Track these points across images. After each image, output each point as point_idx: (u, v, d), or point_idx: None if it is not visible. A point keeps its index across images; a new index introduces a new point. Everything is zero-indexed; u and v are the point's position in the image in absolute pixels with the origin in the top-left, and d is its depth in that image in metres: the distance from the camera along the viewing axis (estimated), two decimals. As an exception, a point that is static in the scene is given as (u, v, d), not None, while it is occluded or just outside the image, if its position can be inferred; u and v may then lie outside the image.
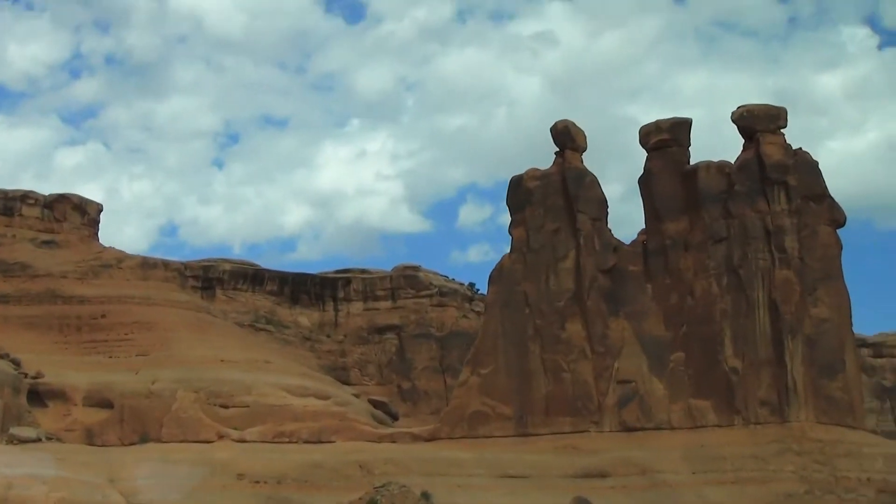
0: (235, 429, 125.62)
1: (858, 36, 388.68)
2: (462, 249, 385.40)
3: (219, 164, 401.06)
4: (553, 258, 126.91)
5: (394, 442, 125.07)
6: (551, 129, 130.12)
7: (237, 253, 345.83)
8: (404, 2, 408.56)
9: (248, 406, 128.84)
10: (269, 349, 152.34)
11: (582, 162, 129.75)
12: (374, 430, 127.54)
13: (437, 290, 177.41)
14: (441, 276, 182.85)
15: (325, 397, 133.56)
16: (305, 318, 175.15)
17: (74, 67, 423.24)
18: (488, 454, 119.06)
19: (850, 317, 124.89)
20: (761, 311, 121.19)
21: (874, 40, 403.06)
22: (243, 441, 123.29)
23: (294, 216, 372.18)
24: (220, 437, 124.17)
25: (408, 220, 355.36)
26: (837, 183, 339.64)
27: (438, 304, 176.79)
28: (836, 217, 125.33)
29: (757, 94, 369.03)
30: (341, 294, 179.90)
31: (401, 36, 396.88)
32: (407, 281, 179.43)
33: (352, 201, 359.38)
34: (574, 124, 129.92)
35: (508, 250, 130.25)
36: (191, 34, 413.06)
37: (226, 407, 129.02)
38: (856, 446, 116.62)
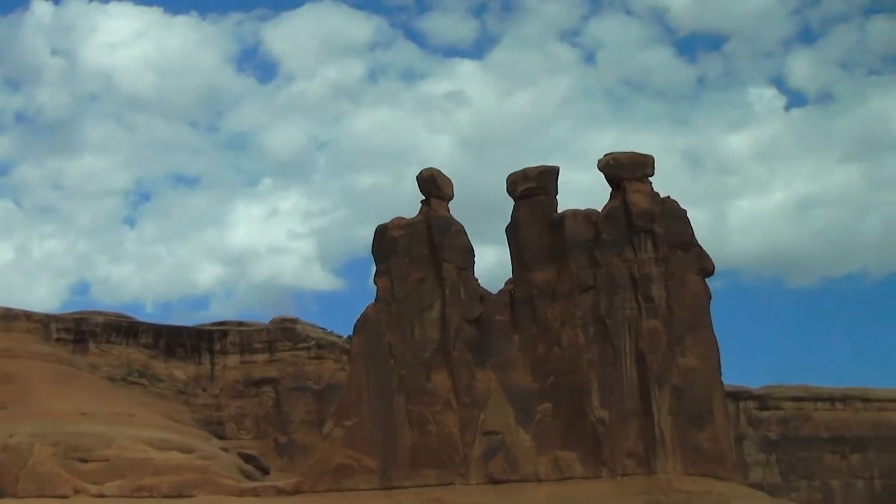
0: (94, 483, 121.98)
1: (766, 97, 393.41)
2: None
3: (130, 222, 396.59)
4: (418, 308, 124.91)
5: (257, 496, 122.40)
6: (417, 178, 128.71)
7: (149, 312, 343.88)
8: (315, 61, 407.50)
9: (107, 460, 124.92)
10: (135, 402, 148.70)
11: (448, 210, 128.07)
12: (236, 484, 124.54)
13: (314, 342, 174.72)
14: (319, 328, 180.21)
15: (189, 451, 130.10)
16: (181, 371, 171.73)
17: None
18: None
19: (720, 366, 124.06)
20: (628, 361, 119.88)
21: (781, 101, 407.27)
22: (101, 496, 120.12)
23: (207, 274, 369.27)
24: (77, 492, 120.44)
25: (320, 279, 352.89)
26: (747, 241, 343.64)
27: (316, 357, 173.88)
28: (705, 265, 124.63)
29: (666, 153, 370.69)
30: (217, 347, 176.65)
31: (312, 95, 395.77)
32: (284, 333, 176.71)
33: (264, 259, 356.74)
34: (440, 172, 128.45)
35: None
36: (101, 92, 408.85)
37: (85, 461, 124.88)
38: (724, 497, 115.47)
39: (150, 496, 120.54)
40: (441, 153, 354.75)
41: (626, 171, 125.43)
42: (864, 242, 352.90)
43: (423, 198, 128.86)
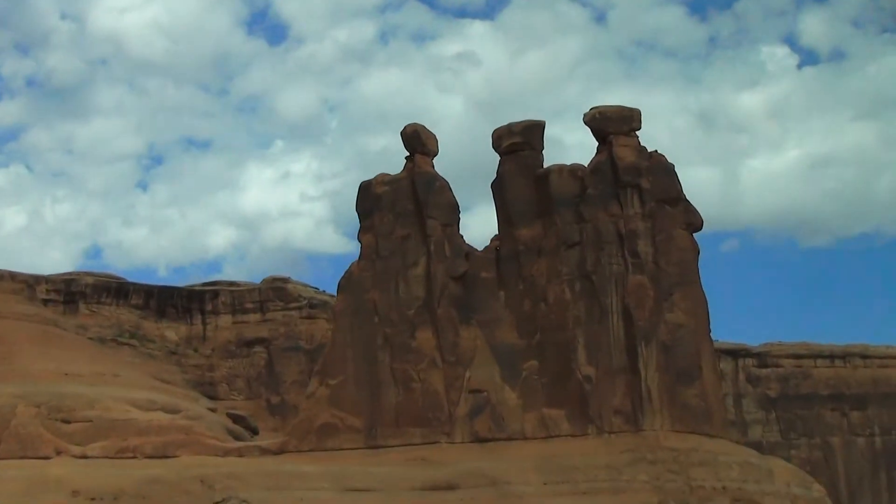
0: (77, 444, 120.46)
1: (778, 55, 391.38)
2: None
3: (143, 186, 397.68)
4: (403, 265, 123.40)
5: (241, 456, 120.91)
6: (401, 133, 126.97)
7: (162, 276, 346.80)
8: (326, 23, 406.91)
9: (90, 421, 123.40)
10: (122, 363, 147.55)
11: (433, 166, 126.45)
12: (221, 444, 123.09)
13: (306, 302, 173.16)
14: (311, 287, 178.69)
15: (175, 411, 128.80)
16: (172, 331, 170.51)
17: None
18: (334, 467, 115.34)
19: (708, 322, 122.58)
20: (615, 318, 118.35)
21: (794, 59, 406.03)
22: (84, 457, 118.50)
23: (219, 238, 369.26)
24: (59, 453, 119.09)
25: (334, 241, 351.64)
26: (760, 201, 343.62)
27: (308, 317, 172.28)
28: (693, 221, 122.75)
29: (678, 112, 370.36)
30: (209, 307, 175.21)
31: (323, 57, 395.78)
32: (276, 293, 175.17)
33: (277, 223, 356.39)
34: (424, 128, 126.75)
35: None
36: (111, 57, 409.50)
37: (67, 422, 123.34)
38: (711, 455, 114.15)
39: (134, 457, 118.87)
40: (452, 114, 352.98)
41: (612, 125, 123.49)
42: (877, 202, 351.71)
43: (408, 154, 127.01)
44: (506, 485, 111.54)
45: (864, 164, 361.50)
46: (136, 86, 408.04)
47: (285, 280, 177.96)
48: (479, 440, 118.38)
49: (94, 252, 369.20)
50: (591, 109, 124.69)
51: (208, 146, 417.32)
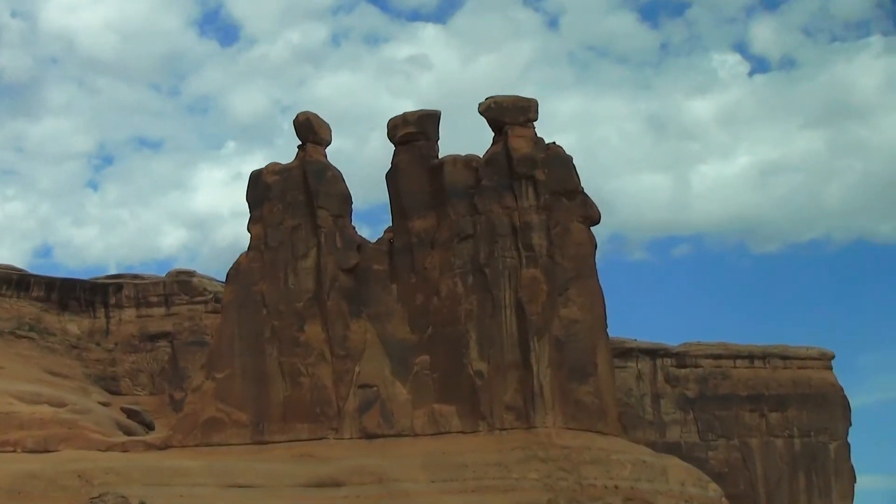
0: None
1: (729, 62, 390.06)
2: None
3: (93, 185, 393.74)
4: (292, 256, 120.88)
5: (125, 451, 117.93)
6: (294, 122, 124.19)
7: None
8: (278, 24, 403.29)
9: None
10: (13, 355, 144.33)
11: (325, 156, 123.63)
12: (104, 438, 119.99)
13: (212, 295, 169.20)
14: (217, 281, 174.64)
15: (61, 405, 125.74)
16: (75, 325, 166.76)
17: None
18: (218, 463, 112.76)
19: (605, 318, 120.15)
20: (508, 312, 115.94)
21: (745, 67, 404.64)
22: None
23: (170, 238, 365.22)
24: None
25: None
26: (710, 207, 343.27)
27: (213, 311, 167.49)
28: (591, 214, 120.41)
29: (630, 118, 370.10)
30: (112, 300, 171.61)
31: (275, 58, 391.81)
32: (181, 287, 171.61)
33: (228, 223, 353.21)
34: (317, 116, 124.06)
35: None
36: (62, 55, 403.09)
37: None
38: (604, 453, 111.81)
39: (14, 450, 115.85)
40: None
41: (507, 115, 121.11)
42: (827, 208, 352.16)
43: (300, 143, 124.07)
44: (393, 482, 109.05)
45: (814, 171, 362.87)
46: (87, 84, 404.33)
47: (190, 273, 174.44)
48: (368, 436, 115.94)
49: (45, 251, 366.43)
50: (486, 99, 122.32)
51: (159, 146, 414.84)
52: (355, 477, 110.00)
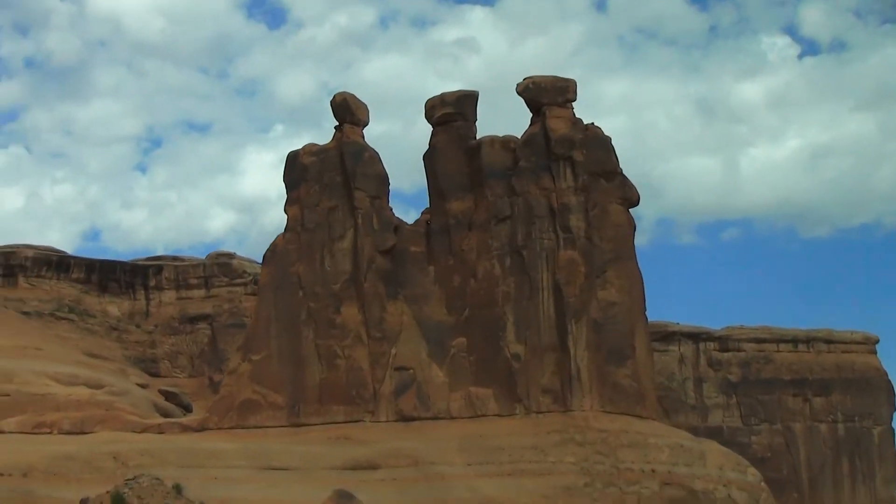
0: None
1: (779, 45, 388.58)
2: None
3: (142, 168, 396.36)
4: (329, 238, 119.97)
5: (161, 433, 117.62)
6: (330, 103, 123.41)
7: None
8: (326, 7, 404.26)
9: (8, 395, 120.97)
10: (52, 337, 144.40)
11: (363, 137, 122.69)
12: (140, 420, 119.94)
13: (251, 277, 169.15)
14: (256, 263, 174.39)
15: (98, 386, 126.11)
16: (115, 306, 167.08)
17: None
18: (253, 445, 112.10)
19: (644, 300, 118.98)
20: (545, 294, 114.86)
21: (794, 49, 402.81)
22: (0, 432, 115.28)
23: (218, 221, 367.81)
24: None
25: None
26: (759, 191, 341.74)
27: (253, 293, 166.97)
28: (629, 195, 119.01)
29: (678, 101, 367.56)
30: (152, 282, 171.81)
31: (322, 41, 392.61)
32: (220, 269, 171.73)
33: (276, 206, 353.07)
34: (354, 97, 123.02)
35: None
36: (110, 38, 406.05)
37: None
38: (641, 436, 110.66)
39: (50, 432, 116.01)
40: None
41: (546, 95, 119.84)
42: (878, 192, 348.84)
43: (337, 124, 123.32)
44: (429, 465, 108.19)
45: (865, 154, 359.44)
46: (136, 67, 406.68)
47: (230, 256, 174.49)
48: (404, 419, 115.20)
49: (93, 234, 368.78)
50: (524, 79, 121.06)
51: (207, 129, 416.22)
52: (391, 460, 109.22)
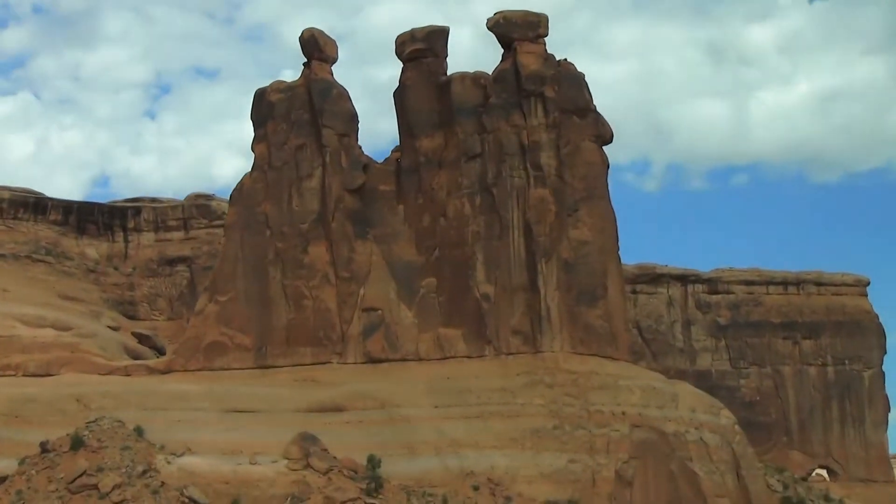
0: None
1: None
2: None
3: (151, 115, 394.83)
4: (296, 177, 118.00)
5: (127, 375, 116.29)
6: (299, 39, 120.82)
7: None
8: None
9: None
10: (23, 279, 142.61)
11: (331, 74, 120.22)
12: (106, 362, 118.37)
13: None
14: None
15: (66, 328, 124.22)
16: (93, 248, 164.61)
17: (1, 17, 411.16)
18: (218, 387, 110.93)
19: (617, 240, 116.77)
20: (515, 233, 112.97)
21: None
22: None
23: (227, 167, 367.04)
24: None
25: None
26: (769, 135, 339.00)
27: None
28: (602, 133, 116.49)
29: (687, 45, 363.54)
30: (131, 224, 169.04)
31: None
32: (199, 210, 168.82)
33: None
34: (322, 33, 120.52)
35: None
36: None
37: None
38: (612, 378, 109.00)
39: (15, 374, 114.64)
40: (460, 45, 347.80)
41: (516, 30, 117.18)
42: (888, 136, 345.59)
43: (305, 61, 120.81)
44: (395, 408, 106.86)
45: (875, 98, 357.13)
46: (143, 13, 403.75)
47: (209, 197, 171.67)
48: (372, 361, 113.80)
49: (102, 180, 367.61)
50: (495, 14, 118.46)
51: (216, 75, 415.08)
52: (357, 402, 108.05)
